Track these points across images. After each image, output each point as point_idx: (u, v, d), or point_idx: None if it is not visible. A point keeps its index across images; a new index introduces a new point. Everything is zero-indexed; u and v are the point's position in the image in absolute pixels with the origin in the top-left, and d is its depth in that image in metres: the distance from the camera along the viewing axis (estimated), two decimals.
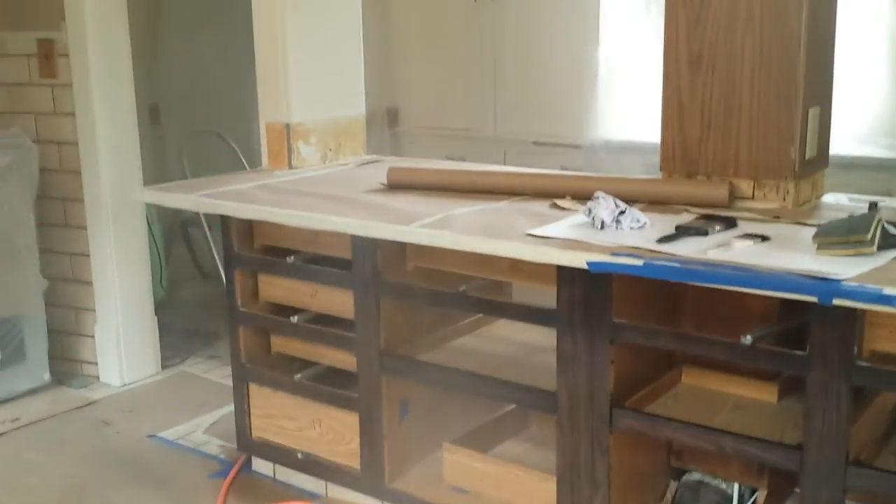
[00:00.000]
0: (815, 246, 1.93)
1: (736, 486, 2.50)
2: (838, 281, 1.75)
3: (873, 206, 2.08)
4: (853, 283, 1.74)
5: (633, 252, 2.01)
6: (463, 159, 4.23)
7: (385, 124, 4.87)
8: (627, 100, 4.06)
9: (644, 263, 1.96)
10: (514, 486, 2.59)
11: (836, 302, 1.74)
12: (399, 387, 2.72)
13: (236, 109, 5.00)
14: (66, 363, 4.01)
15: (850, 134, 3.68)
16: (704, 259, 1.93)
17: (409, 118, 4.87)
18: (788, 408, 2.34)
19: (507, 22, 4.42)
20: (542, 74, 4.32)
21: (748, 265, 1.87)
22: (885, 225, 1.94)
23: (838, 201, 2.47)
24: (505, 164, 4.23)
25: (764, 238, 2.05)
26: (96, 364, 3.94)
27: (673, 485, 2.59)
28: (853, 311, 1.85)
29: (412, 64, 4.81)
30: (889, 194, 2.87)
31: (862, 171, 3.53)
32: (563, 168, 3.90)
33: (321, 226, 2.51)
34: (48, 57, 3.77)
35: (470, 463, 2.68)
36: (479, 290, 2.60)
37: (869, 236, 1.87)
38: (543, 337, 2.67)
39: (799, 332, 2.03)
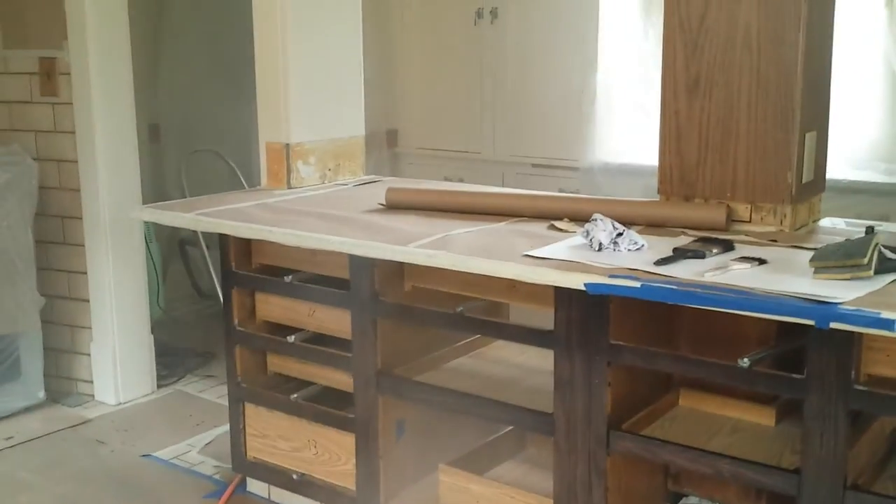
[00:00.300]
0: (813, 269, 1.93)
1: None
2: (836, 304, 1.75)
3: (870, 231, 2.09)
4: (850, 307, 1.74)
5: (631, 274, 2.01)
6: (461, 180, 4.25)
7: (384, 145, 4.90)
8: (625, 123, 4.09)
9: (641, 285, 1.96)
10: None
11: (834, 325, 1.74)
12: (395, 407, 2.72)
13: (236, 129, 5.02)
14: (61, 381, 4.00)
15: (846, 159, 3.71)
16: (702, 282, 1.93)
17: (408, 139, 4.90)
18: (786, 431, 2.33)
19: (507, 45, 4.45)
20: (541, 97, 4.35)
21: (745, 288, 1.87)
22: (882, 249, 1.94)
23: (835, 225, 2.48)
24: (503, 185, 4.25)
25: (761, 261, 2.06)
26: (92, 382, 3.93)
27: None
28: (851, 334, 1.85)
29: (412, 86, 4.84)
30: (886, 218, 2.89)
31: (858, 195, 3.55)
32: (560, 190, 3.92)
33: (319, 245, 2.51)
34: (50, 75, 3.78)
35: (466, 485, 2.66)
36: (477, 310, 2.59)
37: (866, 260, 1.88)
38: (541, 358, 2.67)
39: (796, 356, 2.03)
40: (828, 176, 3.11)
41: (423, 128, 4.82)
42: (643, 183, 3.60)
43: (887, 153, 3.69)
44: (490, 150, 4.58)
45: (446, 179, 4.37)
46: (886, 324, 1.68)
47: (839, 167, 3.65)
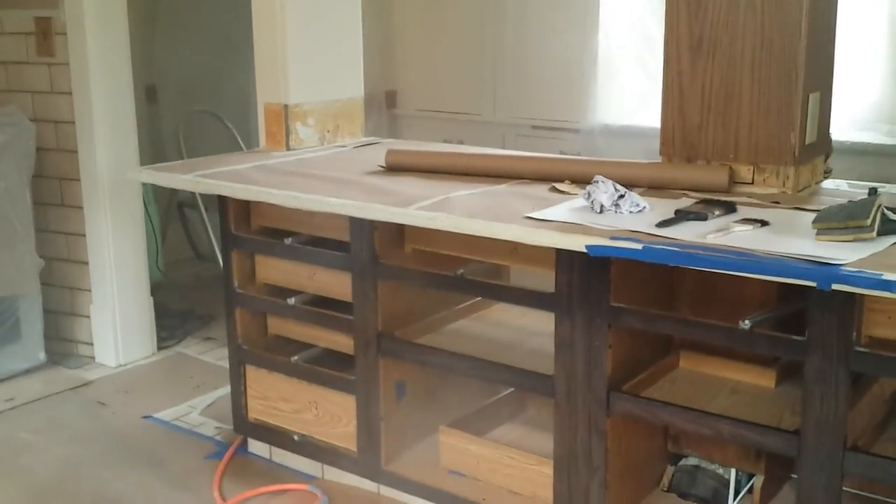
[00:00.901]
0: (815, 231, 1.92)
1: (733, 471, 2.51)
2: (838, 266, 1.75)
3: (873, 192, 2.08)
4: (852, 269, 1.73)
5: (632, 236, 2.00)
6: (461, 142, 4.23)
7: (383, 107, 4.87)
8: (626, 84, 4.06)
9: (643, 247, 1.95)
10: (511, 470, 2.59)
11: (836, 287, 1.74)
12: (396, 369, 2.72)
13: (233, 90, 4.98)
14: (61, 343, 4.00)
15: (849, 120, 3.69)
16: (703, 243, 1.93)
17: (408, 101, 4.87)
18: (786, 393, 2.34)
19: (507, 6, 4.41)
20: (542, 58, 4.31)
21: (747, 250, 1.86)
22: (885, 210, 1.93)
23: (838, 187, 2.47)
24: (503, 147, 4.22)
25: (763, 223, 2.05)
26: (92, 344, 3.93)
27: (670, 469, 2.59)
28: (852, 296, 1.85)
29: (411, 47, 4.80)
30: (888, 180, 2.87)
31: (861, 157, 3.54)
32: (561, 152, 3.90)
33: (319, 207, 2.50)
34: (46, 35, 3.74)
35: (466, 446, 2.68)
36: (478, 273, 2.59)
37: (868, 221, 1.87)
38: (542, 321, 2.67)
39: (798, 318, 2.03)
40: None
41: (422, 89, 4.79)
42: (645, 145, 3.57)
43: (890, 115, 3.66)
44: (490, 112, 4.55)
45: (446, 141, 4.35)
46: (888, 285, 1.67)
47: (842, 128, 3.62)
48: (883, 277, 1.69)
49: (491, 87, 4.53)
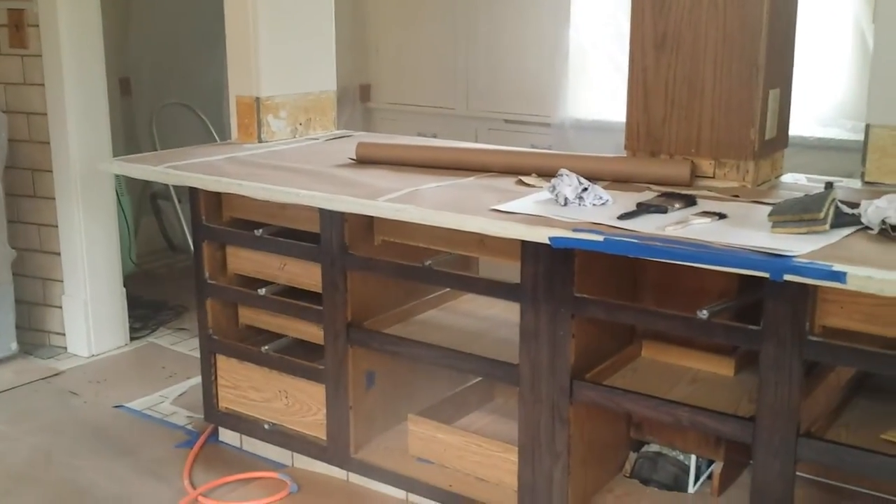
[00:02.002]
0: (770, 224, 1.98)
1: (693, 457, 2.57)
2: (790, 257, 1.80)
3: (829, 186, 2.14)
4: (804, 260, 1.79)
5: (594, 228, 2.05)
6: (435, 136, 4.26)
7: (357, 100, 4.89)
8: (597, 79, 4.10)
9: (604, 239, 2.00)
10: (477, 457, 2.64)
11: (787, 278, 1.80)
12: (365, 359, 2.76)
13: (208, 83, 4.98)
14: (33, 333, 4.01)
15: (814, 116, 3.75)
16: (662, 235, 1.98)
17: (382, 94, 4.89)
18: (745, 381, 2.40)
19: (480, 1, 4.44)
20: (514, 53, 4.35)
21: (703, 242, 1.92)
22: (839, 204, 2.00)
23: (797, 181, 2.53)
24: (476, 141, 4.26)
25: (721, 216, 2.10)
26: (64, 335, 3.95)
27: (632, 456, 2.65)
28: (805, 287, 1.91)
29: (385, 41, 4.83)
30: (851, 175, 2.93)
31: (825, 152, 3.60)
32: (533, 146, 3.94)
33: (288, 199, 2.53)
34: (18, 27, 3.74)
35: (434, 434, 2.73)
36: (447, 264, 2.63)
37: (822, 214, 1.93)
38: (509, 311, 2.72)
39: (757, 308, 2.08)
40: (796, 133, 3.14)
41: (396, 83, 4.82)
42: (614, 139, 3.61)
43: (854, 111, 3.72)
44: (463, 106, 4.59)
45: (420, 135, 4.37)
46: (837, 276, 1.73)
47: (807, 124, 3.70)
48: (833, 268, 1.75)
49: (464, 82, 4.57)
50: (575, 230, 2.05)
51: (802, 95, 3.62)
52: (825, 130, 3.72)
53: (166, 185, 4.70)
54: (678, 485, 2.58)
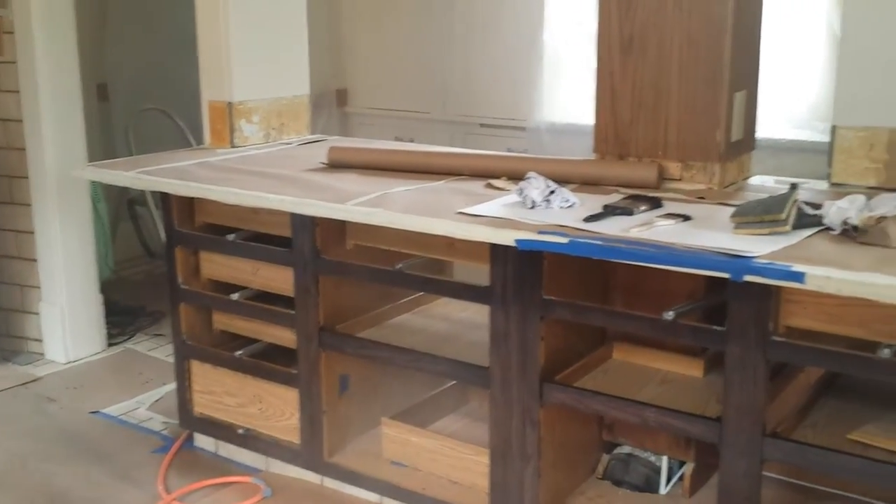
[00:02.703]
0: (733, 225, 2.00)
1: (665, 458, 2.58)
2: (750, 258, 1.82)
3: (793, 187, 2.15)
4: (764, 261, 1.80)
5: (560, 230, 2.06)
6: (412, 140, 4.27)
7: (334, 105, 4.89)
8: (572, 83, 4.12)
9: (569, 241, 2.02)
10: (450, 460, 2.65)
11: (748, 278, 1.81)
12: (339, 363, 2.76)
13: (185, 88, 4.96)
14: (11, 340, 4.00)
15: (787, 118, 3.78)
16: (626, 237, 1.99)
17: (359, 99, 4.90)
18: (713, 382, 2.41)
19: (456, 4, 4.46)
20: (489, 58, 4.37)
21: (666, 243, 1.93)
22: (802, 205, 2.01)
23: (764, 183, 2.55)
24: (452, 145, 4.26)
25: (686, 218, 2.12)
26: (41, 341, 3.94)
27: (605, 458, 2.66)
28: (769, 287, 1.92)
29: (361, 46, 4.84)
30: (823, 177, 2.96)
31: (798, 154, 3.62)
32: (509, 150, 3.95)
33: (258, 203, 2.54)
34: None
35: (407, 437, 2.73)
36: (421, 268, 2.64)
37: (784, 216, 1.94)
38: (482, 314, 2.72)
39: (723, 309, 2.10)
40: (769, 135, 3.17)
41: (373, 88, 4.82)
42: (589, 143, 3.62)
43: (826, 113, 3.75)
44: (440, 110, 4.60)
45: (397, 139, 4.39)
46: (797, 276, 1.75)
47: (780, 126, 3.73)
48: (792, 269, 1.76)
49: (440, 86, 4.58)
50: (540, 232, 2.06)
51: (776, 98, 3.67)
52: (798, 133, 3.75)
53: (143, 192, 4.69)
54: (650, 486, 2.59)
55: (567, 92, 4.11)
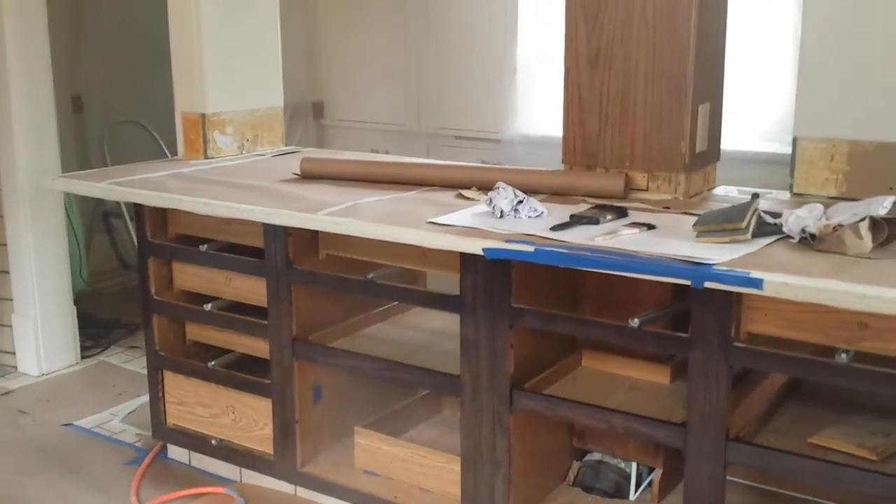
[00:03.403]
0: (695, 234, 2.04)
1: (634, 465, 2.62)
2: (710, 265, 1.86)
3: (755, 197, 2.20)
4: (723, 268, 1.85)
5: (526, 239, 2.10)
6: (387, 152, 4.30)
7: (310, 117, 4.92)
8: (544, 96, 4.16)
9: (535, 249, 2.05)
10: (422, 468, 2.67)
11: (708, 285, 1.85)
12: (312, 373, 2.78)
13: (160, 100, 4.98)
14: None
15: (756, 131, 3.84)
16: (591, 245, 2.03)
17: (335, 111, 4.93)
18: (680, 389, 2.44)
19: (430, 18, 4.50)
20: (463, 70, 4.41)
21: (630, 251, 1.97)
22: (762, 214, 2.06)
23: (728, 193, 2.59)
24: (428, 157, 4.30)
25: (650, 227, 2.16)
26: (14, 354, 3.92)
27: (575, 465, 2.69)
28: (730, 294, 1.96)
29: (337, 58, 4.87)
30: (789, 188, 3.01)
31: (766, 166, 3.68)
32: (483, 161, 3.99)
33: (229, 213, 2.56)
34: None
35: (380, 446, 2.75)
36: (394, 278, 2.66)
37: (744, 224, 1.99)
38: (454, 323, 2.75)
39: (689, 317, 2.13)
40: (737, 147, 3.21)
41: (348, 100, 4.86)
42: (560, 154, 3.69)
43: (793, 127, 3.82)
44: (414, 123, 4.64)
45: (372, 151, 4.42)
46: (755, 282, 1.79)
47: (749, 139, 3.78)
48: (750, 275, 1.80)
49: (415, 99, 4.62)
50: (507, 241, 2.10)
51: (745, 111, 3.72)
52: (766, 145, 3.81)
53: (118, 204, 4.70)
54: (619, 492, 2.62)
55: (540, 105, 4.15)
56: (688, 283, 1.87)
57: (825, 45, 2.43)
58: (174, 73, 3.21)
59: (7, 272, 3.87)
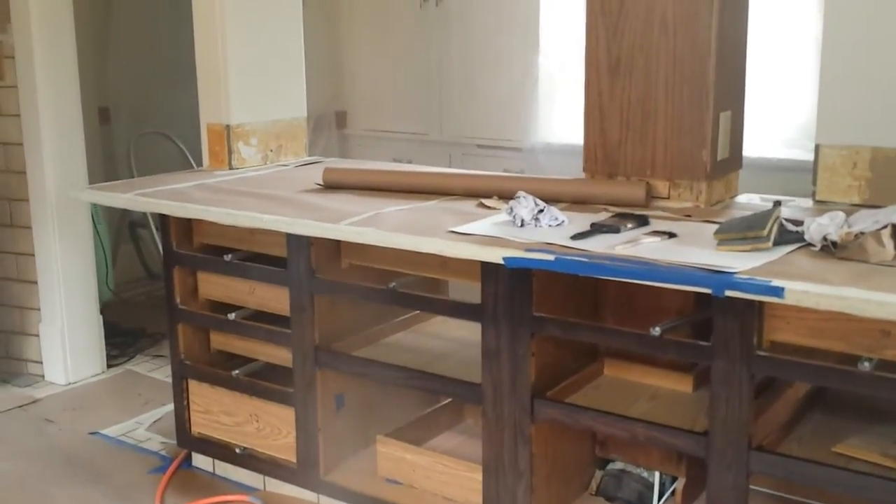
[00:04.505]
0: (716, 242, 2.03)
1: (657, 474, 2.61)
2: (731, 274, 1.85)
3: (776, 204, 2.19)
4: (745, 276, 1.84)
5: (547, 248, 2.10)
6: (410, 161, 4.32)
7: (333, 127, 4.95)
8: (566, 104, 4.17)
9: (555, 258, 2.05)
10: (444, 477, 2.67)
11: (729, 293, 1.85)
12: (334, 381, 2.80)
13: (185, 111, 5.03)
14: (10, 362, 4.03)
15: (779, 138, 3.82)
16: (612, 254, 2.03)
17: (358, 121, 4.96)
18: (702, 397, 2.43)
19: (452, 27, 4.52)
20: (485, 79, 4.42)
21: (650, 260, 1.97)
22: (783, 221, 2.05)
23: (750, 201, 2.58)
24: (450, 166, 4.32)
25: (671, 235, 2.16)
26: (41, 363, 3.97)
27: (598, 474, 2.68)
28: (752, 303, 1.96)
29: (360, 68, 4.90)
30: (812, 195, 3.00)
31: (788, 173, 3.66)
32: (505, 170, 4.00)
33: (253, 223, 2.58)
34: None
35: (402, 455, 2.76)
36: (416, 286, 2.67)
37: (765, 232, 1.98)
38: (476, 332, 2.76)
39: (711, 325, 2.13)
40: (760, 154, 3.19)
41: (371, 110, 4.88)
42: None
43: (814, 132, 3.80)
44: (437, 132, 4.65)
45: (395, 160, 4.44)
46: (776, 291, 1.78)
47: (771, 146, 3.77)
48: (771, 284, 1.80)
49: (437, 108, 4.64)
50: (528, 250, 2.10)
51: (767, 118, 3.71)
52: (788, 152, 3.79)
53: (144, 214, 4.75)
54: (642, 502, 2.61)
55: (562, 113, 4.16)
56: (709, 291, 1.87)
57: (847, 51, 2.42)
58: (199, 84, 3.25)
59: (35, 282, 3.91)
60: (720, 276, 1.85)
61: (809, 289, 1.75)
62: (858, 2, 2.39)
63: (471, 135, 4.53)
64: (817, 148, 2.47)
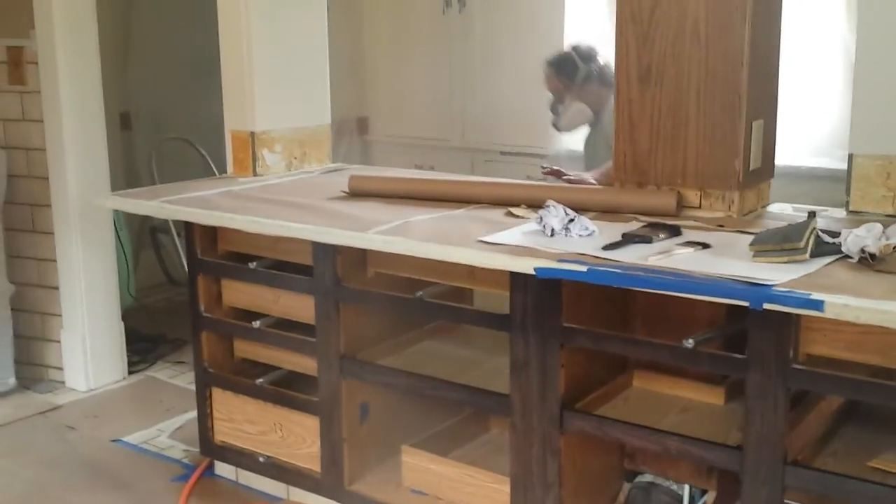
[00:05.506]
0: (752, 253, 2.00)
1: (687, 487, 2.57)
2: (769, 286, 1.82)
3: (812, 215, 2.16)
4: (783, 289, 1.81)
5: (579, 258, 2.08)
6: (432, 168, 4.30)
7: (355, 133, 4.94)
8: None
9: (588, 269, 2.03)
10: (471, 488, 2.64)
11: (767, 306, 1.82)
12: (359, 390, 2.77)
13: (208, 118, 5.02)
14: (32, 368, 4.03)
15: (807, 146, 3.79)
16: (645, 265, 2.00)
17: (379, 127, 4.95)
18: (734, 410, 2.40)
19: (474, 34, 4.51)
20: (509, 85, 4.40)
21: (685, 271, 1.94)
22: (820, 233, 2.02)
23: (783, 211, 2.55)
24: (472, 173, 4.30)
25: (705, 245, 2.13)
26: (62, 369, 3.97)
27: (626, 486, 2.65)
28: (789, 315, 1.93)
29: (382, 74, 4.89)
30: (841, 204, 2.96)
31: (818, 181, 3.63)
32: (528, 177, 3.98)
33: (280, 232, 2.56)
34: (17, 64, 3.80)
35: (428, 465, 2.73)
36: (442, 296, 2.65)
37: (802, 244, 1.95)
38: (502, 342, 2.73)
39: (744, 337, 2.10)
40: (789, 163, 3.15)
41: (393, 116, 4.87)
42: None
43: (845, 141, 3.75)
44: (459, 138, 4.64)
45: (417, 167, 4.42)
46: (815, 304, 1.75)
47: (800, 154, 3.74)
48: (811, 297, 1.77)
49: (460, 114, 4.62)
50: (559, 260, 2.08)
51: (796, 126, 3.68)
52: (818, 160, 3.76)
53: (166, 220, 4.74)
54: None
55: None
56: (746, 304, 1.84)
57: (881, 60, 2.38)
58: (224, 91, 3.24)
59: (56, 288, 3.91)
60: (758, 289, 1.82)
61: (849, 302, 1.72)
62: (893, 11, 2.35)
63: (493, 141, 4.52)
64: (851, 157, 2.43)
